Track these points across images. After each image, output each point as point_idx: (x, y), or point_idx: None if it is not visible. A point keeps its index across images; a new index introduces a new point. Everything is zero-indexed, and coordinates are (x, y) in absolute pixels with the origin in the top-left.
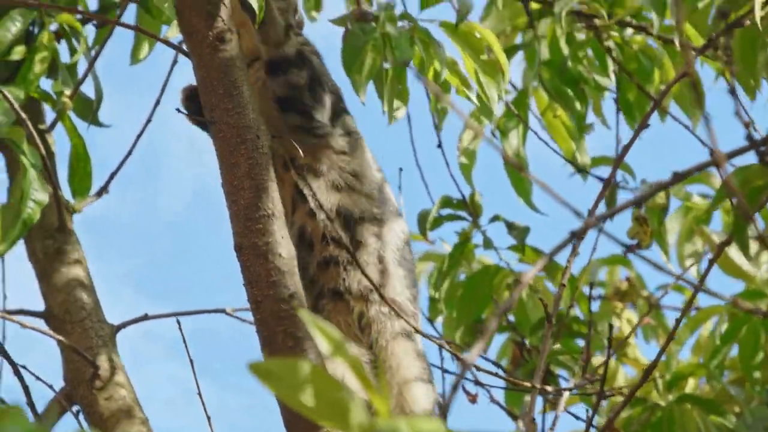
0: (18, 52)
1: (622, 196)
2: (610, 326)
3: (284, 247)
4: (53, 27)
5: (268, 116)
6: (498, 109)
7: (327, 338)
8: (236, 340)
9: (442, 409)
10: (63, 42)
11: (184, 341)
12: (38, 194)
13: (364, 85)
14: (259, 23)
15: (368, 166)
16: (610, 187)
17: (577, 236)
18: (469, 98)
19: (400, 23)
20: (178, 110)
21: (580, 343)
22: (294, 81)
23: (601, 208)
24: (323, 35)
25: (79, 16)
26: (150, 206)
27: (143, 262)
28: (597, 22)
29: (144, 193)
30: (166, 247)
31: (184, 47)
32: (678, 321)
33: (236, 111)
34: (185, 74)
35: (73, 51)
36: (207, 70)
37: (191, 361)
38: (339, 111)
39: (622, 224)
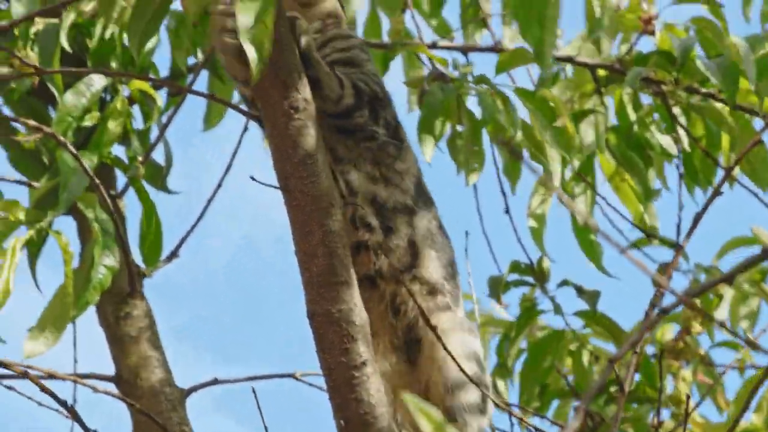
0: (92, 118)
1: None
2: (687, 397)
3: (357, 315)
4: (126, 92)
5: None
6: (565, 175)
7: (429, 419)
8: (301, 403)
9: None
10: (135, 106)
11: (259, 410)
12: (109, 260)
13: (433, 145)
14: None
15: (412, 164)
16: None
17: (666, 312)
18: (542, 163)
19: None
20: (252, 178)
21: (634, 405)
22: (357, 123)
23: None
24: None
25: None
26: (197, 263)
27: (194, 320)
28: (664, 88)
29: (195, 249)
30: (217, 303)
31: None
32: (754, 390)
33: (310, 180)
34: (256, 139)
35: (146, 115)
36: (281, 139)
37: (266, 428)
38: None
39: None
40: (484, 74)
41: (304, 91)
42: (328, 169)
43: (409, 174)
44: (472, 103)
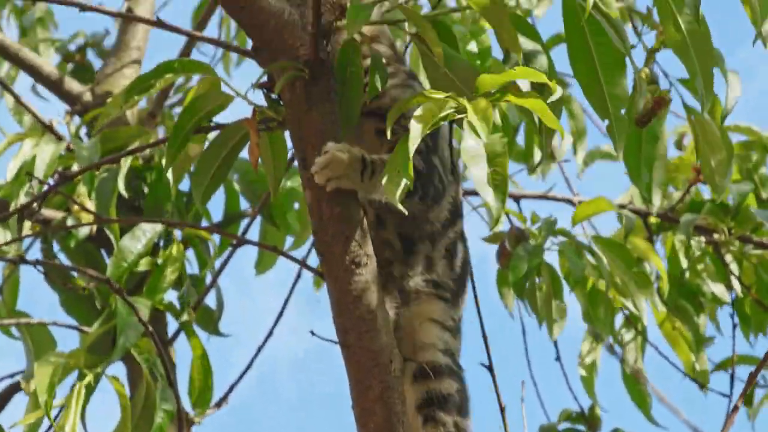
0: (146, 264)
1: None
2: None
3: None
4: (179, 236)
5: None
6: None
7: None
8: None
9: None
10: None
11: None
12: (167, 405)
13: (512, 299)
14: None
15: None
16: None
17: None
18: (625, 307)
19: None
20: (312, 333)
21: None
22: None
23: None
24: None
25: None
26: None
27: None
28: (716, 236)
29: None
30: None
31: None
32: None
33: (370, 335)
34: (307, 285)
35: (200, 259)
36: (342, 293)
37: None
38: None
39: None
40: (563, 228)
41: (366, 246)
42: (389, 324)
43: (441, 213)
44: (549, 255)
